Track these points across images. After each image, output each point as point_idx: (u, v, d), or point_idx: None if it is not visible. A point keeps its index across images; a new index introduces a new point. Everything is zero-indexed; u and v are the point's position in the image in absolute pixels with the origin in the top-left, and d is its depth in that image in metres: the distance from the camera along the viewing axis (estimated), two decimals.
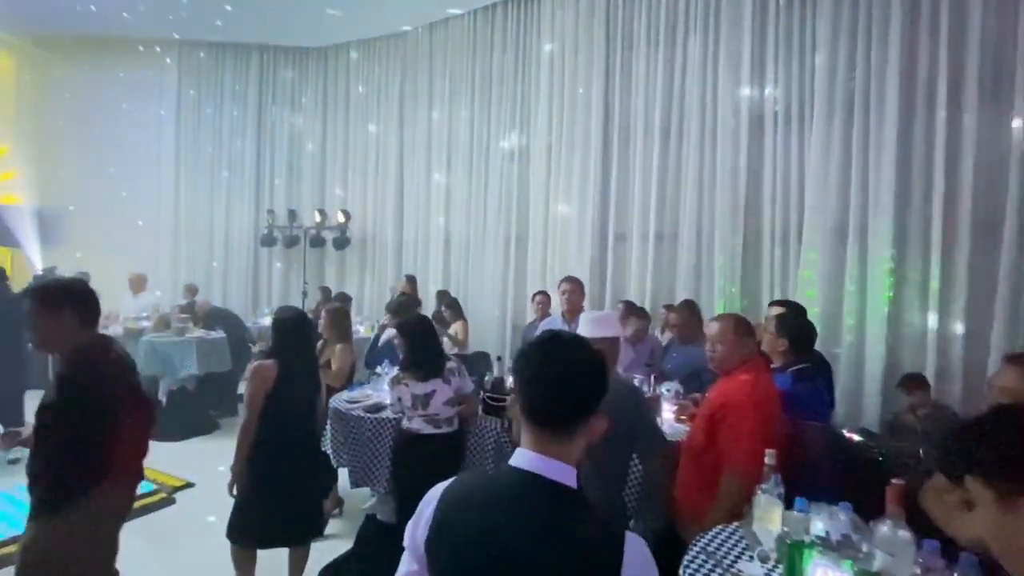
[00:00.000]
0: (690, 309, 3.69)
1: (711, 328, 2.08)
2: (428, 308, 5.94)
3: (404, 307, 4.12)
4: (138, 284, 6.37)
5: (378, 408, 2.91)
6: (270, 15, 6.62)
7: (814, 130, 4.11)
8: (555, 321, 3.53)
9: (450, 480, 0.97)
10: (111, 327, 5.69)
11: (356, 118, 7.39)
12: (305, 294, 7.24)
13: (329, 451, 2.92)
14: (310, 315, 6.71)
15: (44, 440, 1.61)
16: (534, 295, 4.78)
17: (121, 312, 6.11)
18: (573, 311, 3.33)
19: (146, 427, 1.89)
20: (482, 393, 2.85)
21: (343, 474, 3.19)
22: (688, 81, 4.77)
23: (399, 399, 2.50)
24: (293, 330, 2.54)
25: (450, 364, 2.54)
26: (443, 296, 5.36)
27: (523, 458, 0.91)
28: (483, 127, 6.28)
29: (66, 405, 1.59)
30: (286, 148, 7.74)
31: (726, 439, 1.86)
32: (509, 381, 2.72)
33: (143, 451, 1.86)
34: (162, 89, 7.65)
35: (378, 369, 3.45)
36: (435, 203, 6.69)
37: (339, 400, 3.02)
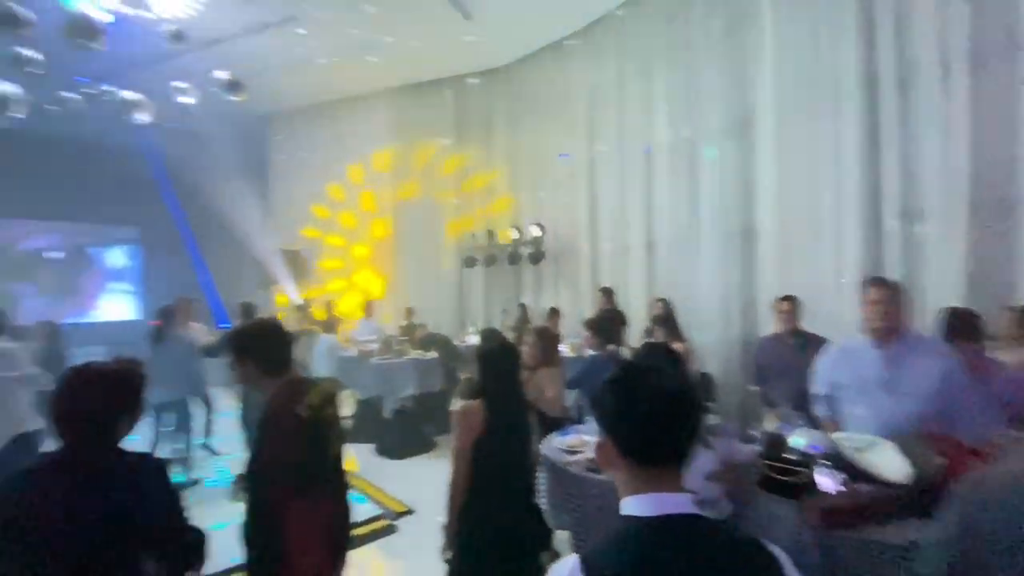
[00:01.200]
0: None
1: None
2: (633, 326, 5.26)
3: (605, 325, 3.54)
4: (369, 310, 7.12)
5: None
6: (463, 43, 6.83)
7: None
8: (855, 346, 2.30)
9: (593, 553, 0.85)
10: (349, 350, 6.39)
11: (545, 128, 7.18)
12: (505, 311, 7.24)
13: (546, 507, 2.43)
14: (511, 333, 6.73)
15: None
16: (780, 300, 3.70)
17: (355, 336, 6.87)
18: (890, 330, 2.14)
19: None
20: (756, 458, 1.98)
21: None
22: None
23: None
24: (500, 363, 2.16)
25: (712, 419, 1.82)
26: (661, 311, 4.49)
27: (668, 502, 0.86)
28: (686, 107, 5.40)
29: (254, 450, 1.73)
30: (481, 170, 7.95)
31: None
32: (800, 438, 1.86)
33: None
34: (378, 135, 8.59)
35: None
36: (632, 203, 6.00)
37: (554, 448, 2.52)
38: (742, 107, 4.93)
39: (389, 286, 8.45)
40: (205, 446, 5.60)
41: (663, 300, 4.79)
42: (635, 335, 5.21)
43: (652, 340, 3.61)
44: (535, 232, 6.89)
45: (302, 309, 7.29)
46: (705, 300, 5.19)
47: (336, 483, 1.85)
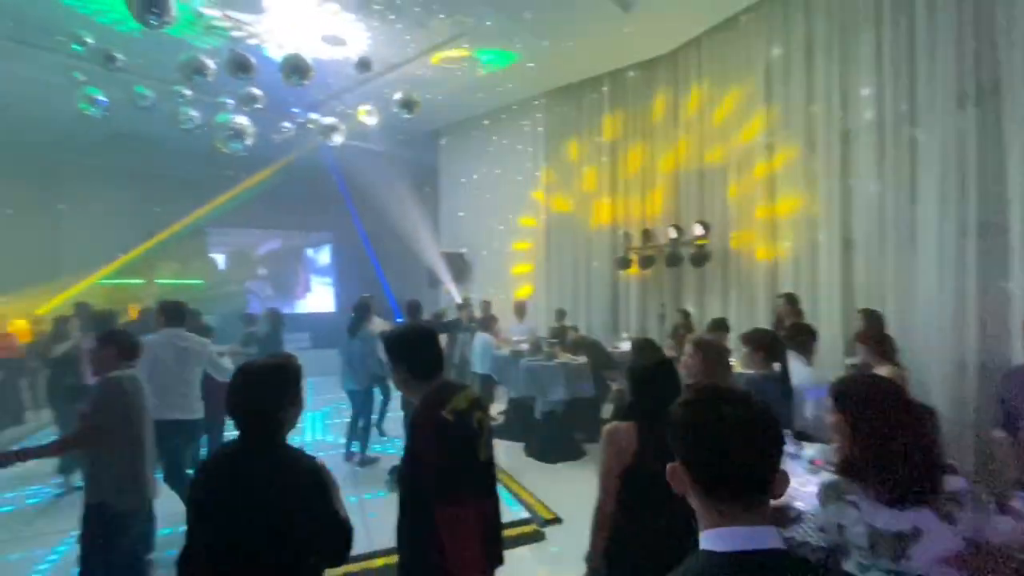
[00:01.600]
0: None
1: None
2: (827, 342, 4.43)
3: (766, 339, 2.95)
4: (520, 312, 7.25)
5: (789, 516, 1.76)
6: (622, 36, 6.54)
7: None
8: None
9: None
10: (501, 349, 6.57)
11: (712, 114, 6.50)
12: (663, 317, 6.75)
13: None
14: (668, 341, 6.22)
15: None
16: None
17: (509, 336, 7.03)
18: None
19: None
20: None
21: None
22: None
23: (838, 526, 1.37)
24: (656, 384, 1.90)
25: (954, 481, 1.32)
26: (867, 326, 3.59)
27: (747, 537, 0.79)
28: (903, 75, 4.37)
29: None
30: (639, 167, 7.51)
31: None
32: None
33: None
34: (535, 139, 8.70)
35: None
36: (823, 195, 5.07)
37: None
38: (988, 69, 3.81)
39: (541, 286, 8.51)
40: (377, 427, 6.22)
41: (870, 312, 3.91)
42: (828, 354, 4.39)
43: (854, 362, 2.93)
44: (698, 231, 6.28)
45: (462, 308, 7.71)
46: (923, 313, 4.15)
47: (486, 487, 1.79)
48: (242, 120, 6.58)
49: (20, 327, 7.84)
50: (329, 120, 7.12)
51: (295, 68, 5.59)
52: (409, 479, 1.67)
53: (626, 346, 6.59)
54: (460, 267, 9.48)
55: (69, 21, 5.89)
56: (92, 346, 2.79)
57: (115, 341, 2.60)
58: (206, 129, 6.84)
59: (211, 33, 6.32)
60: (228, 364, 3.90)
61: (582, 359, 5.74)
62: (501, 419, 6.54)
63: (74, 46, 6.00)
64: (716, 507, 0.81)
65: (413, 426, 1.70)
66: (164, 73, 6.37)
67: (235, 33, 6.36)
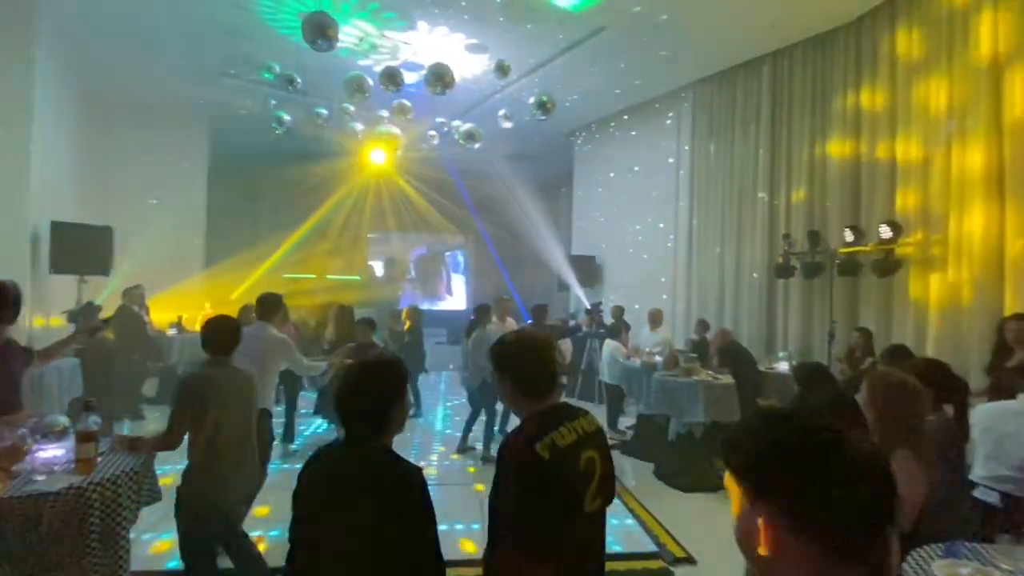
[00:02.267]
0: None
1: None
2: None
3: (937, 375, 2.13)
4: (655, 320, 6.69)
5: None
6: (782, 11, 5.69)
7: None
8: None
9: None
10: (632, 358, 6.12)
11: (913, 86, 5.28)
12: (831, 336, 5.67)
13: None
14: (840, 366, 5.19)
15: None
16: None
17: (641, 346, 6.53)
18: None
19: None
20: None
21: None
22: None
23: None
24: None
25: None
26: None
27: None
28: None
29: None
30: (806, 159, 6.43)
31: None
32: None
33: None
34: (678, 133, 8.02)
35: None
36: None
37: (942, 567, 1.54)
38: None
39: (680, 293, 7.79)
40: (501, 430, 6.21)
41: None
42: None
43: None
44: (885, 233, 5.14)
45: (590, 313, 7.40)
46: None
47: (587, 544, 1.44)
48: (394, 130, 7.15)
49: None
50: (469, 126, 7.36)
51: (438, 77, 5.84)
52: (491, 512, 1.40)
53: (782, 367, 5.69)
54: (591, 271, 9.16)
55: (269, 43, 6.81)
56: None
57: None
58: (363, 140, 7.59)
59: (369, 52, 6.94)
60: (316, 364, 4.00)
61: (726, 379, 5.05)
62: (629, 434, 6.09)
63: (265, 74, 7.07)
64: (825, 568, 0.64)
65: (500, 453, 1.43)
66: (333, 92, 7.16)
67: (387, 50, 6.90)
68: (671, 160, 8.06)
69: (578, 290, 9.10)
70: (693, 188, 7.71)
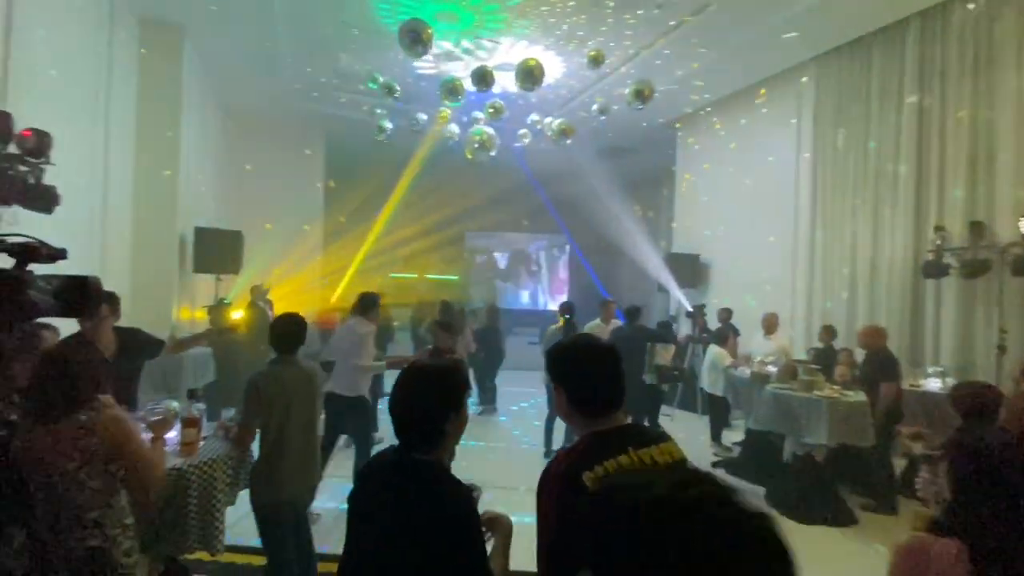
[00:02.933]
0: None
1: None
2: None
3: None
4: (770, 325, 5.97)
5: None
6: None
7: None
8: None
9: None
10: (739, 367, 5.52)
11: None
12: (1002, 348, 4.65)
13: None
14: (1011, 386, 4.22)
15: None
16: None
17: (752, 354, 5.87)
18: None
19: None
20: None
21: None
22: None
23: None
24: (1005, 472, 1.07)
25: None
26: None
27: None
28: None
29: None
30: (966, 138, 5.35)
31: None
32: None
33: None
34: (799, 113, 7.13)
35: None
36: None
37: None
38: None
39: (801, 295, 6.90)
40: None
41: None
42: None
43: None
44: None
45: (694, 316, 6.84)
46: None
47: None
48: (488, 131, 7.15)
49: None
50: (560, 122, 7.14)
51: (527, 74, 5.73)
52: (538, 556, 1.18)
53: (932, 385, 4.79)
54: (694, 270, 8.47)
55: (372, 56, 7.18)
56: None
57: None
58: (460, 142, 7.71)
59: (460, 57, 7.03)
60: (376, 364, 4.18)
61: (856, 396, 4.33)
62: (736, 451, 5.50)
63: (371, 83, 7.46)
64: None
65: (539, 482, 1.22)
66: (431, 99, 7.36)
67: (482, 53, 6.93)
68: (790, 144, 7.17)
69: (677, 291, 8.49)
70: (817, 175, 6.76)
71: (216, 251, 7.12)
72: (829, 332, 5.65)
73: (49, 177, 2.81)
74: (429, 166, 11.62)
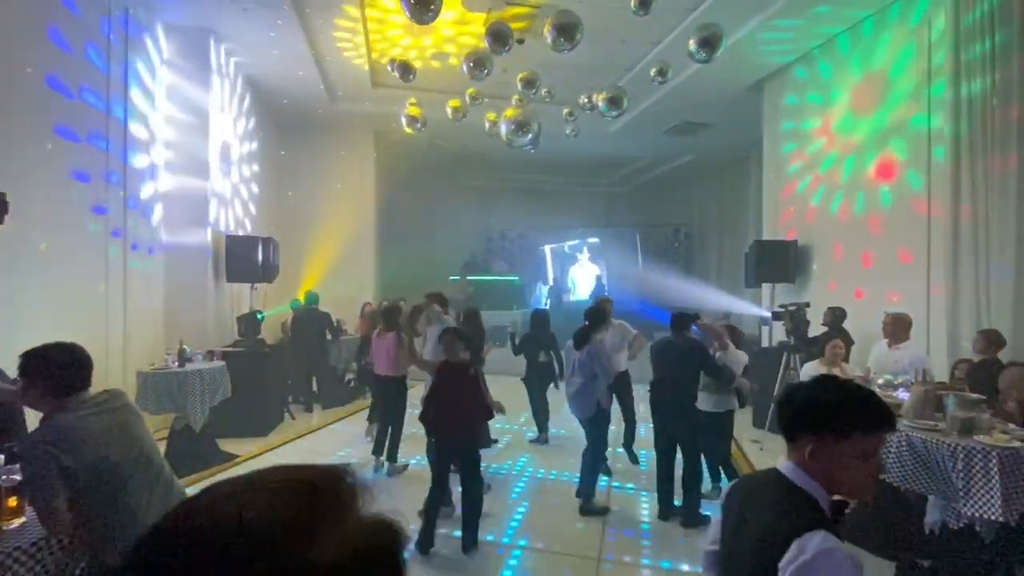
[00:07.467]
0: None
1: None
2: None
3: None
4: (896, 330, 4.41)
5: None
6: None
7: None
8: None
9: None
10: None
11: None
12: None
13: None
14: None
15: None
16: None
17: (872, 368, 4.39)
18: None
19: None
20: None
21: None
22: None
23: None
24: None
25: None
26: None
27: None
28: None
29: None
30: None
31: None
32: None
33: None
34: (929, 39, 5.40)
35: None
36: None
37: None
38: None
39: (938, 292, 5.17)
40: (626, 448, 5.26)
41: None
42: None
43: None
44: None
45: (782, 318, 5.40)
46: None
47: None
48: (523, 109, 6.29)
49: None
50: (607, 91, 6.02)
51: (562, 30, 4.74)
52: None
53: None
54: (790, 260, 6.89)
55: None
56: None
57: None
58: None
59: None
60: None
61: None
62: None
63: None
64: None
65: None
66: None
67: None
68: (916, 85, 5.46)
69: (763, 287, 6.99)
70: (959, 123, 4.97)
71: (245, 260, 6.93)
72: (989, 340, 4.03)
73: None
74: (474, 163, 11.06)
